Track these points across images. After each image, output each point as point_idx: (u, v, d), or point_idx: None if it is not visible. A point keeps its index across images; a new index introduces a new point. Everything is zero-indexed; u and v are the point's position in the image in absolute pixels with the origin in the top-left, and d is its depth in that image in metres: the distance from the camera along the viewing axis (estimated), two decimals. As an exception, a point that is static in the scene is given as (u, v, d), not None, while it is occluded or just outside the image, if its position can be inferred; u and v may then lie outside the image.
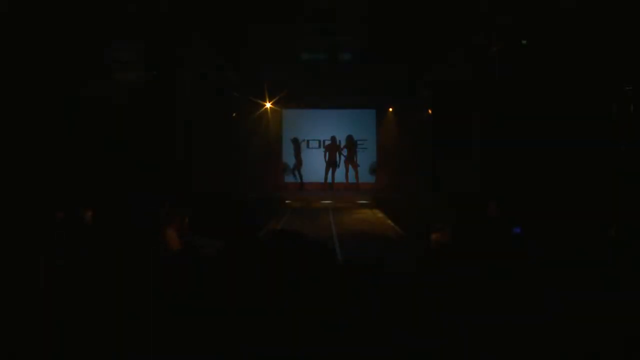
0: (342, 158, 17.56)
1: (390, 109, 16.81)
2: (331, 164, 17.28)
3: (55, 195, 6.43)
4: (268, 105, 15.73)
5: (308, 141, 17.94)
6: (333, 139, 17.34)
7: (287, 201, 15.95)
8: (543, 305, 1.73)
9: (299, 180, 17.41)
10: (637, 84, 7.43)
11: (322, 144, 17.85)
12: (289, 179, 17.90)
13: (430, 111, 12.59)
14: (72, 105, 8.12)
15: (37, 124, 7.29)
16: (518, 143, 8.14)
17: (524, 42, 8.99)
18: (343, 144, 17.67)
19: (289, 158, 17.84)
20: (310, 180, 17.64)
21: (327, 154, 17.34)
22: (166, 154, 9.60)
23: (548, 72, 8.02)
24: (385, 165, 17.25)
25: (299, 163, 17.36)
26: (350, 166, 17.54)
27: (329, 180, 17.29)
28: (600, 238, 4.33)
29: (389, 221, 11.96)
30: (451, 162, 10.53)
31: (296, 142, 17.37)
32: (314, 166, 17.57)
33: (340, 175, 17.56)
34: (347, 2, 9.08)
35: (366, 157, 17.88)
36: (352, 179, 17.57)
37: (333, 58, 11.14)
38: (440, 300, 1.47)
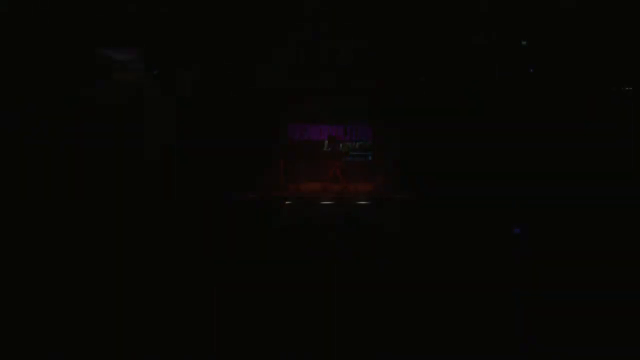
0: None
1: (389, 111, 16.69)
2: None
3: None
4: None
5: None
6: None
7: (287, 202, 15.90)
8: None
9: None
10: (637, 85, 7.44)
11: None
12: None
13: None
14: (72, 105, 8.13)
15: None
16: (514, 144, 8.16)
17: (523, 42, 8.99)
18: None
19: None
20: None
21: None
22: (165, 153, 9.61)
23: (547, 73, 8.02)
24: (383, 166, 17.14)
25: None
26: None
27: None
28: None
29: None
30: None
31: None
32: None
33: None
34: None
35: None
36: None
37: (332, 58, 11.12)
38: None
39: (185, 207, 8.55)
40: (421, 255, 6.92)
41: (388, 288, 6.00)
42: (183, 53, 9.86)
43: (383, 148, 16.54)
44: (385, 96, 14.73)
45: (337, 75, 13.24)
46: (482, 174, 9.10)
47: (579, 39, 7.19)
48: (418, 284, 6.00)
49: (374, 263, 7.13)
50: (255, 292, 5.83)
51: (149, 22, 8.17)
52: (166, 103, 9.82)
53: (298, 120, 17.14)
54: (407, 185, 13.73)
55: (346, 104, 15.59)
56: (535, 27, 7.92)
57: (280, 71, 13.00)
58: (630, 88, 7.99)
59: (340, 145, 17.53)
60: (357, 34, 10.49)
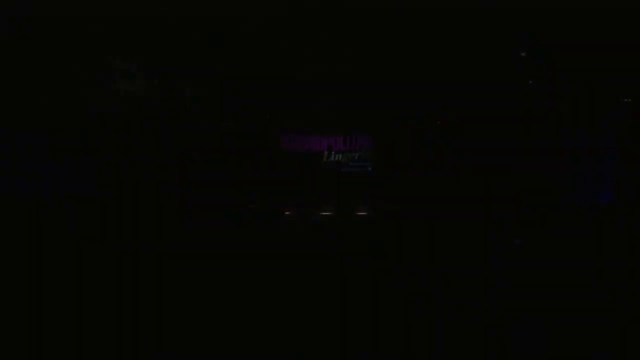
0: None
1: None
2: None
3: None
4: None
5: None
6: None
7: (286, 212, 15.83)
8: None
9: None
10: (637, 93, 7.45)
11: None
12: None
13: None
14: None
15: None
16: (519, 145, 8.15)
17: (522, 54, 9.03)
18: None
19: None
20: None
21: None
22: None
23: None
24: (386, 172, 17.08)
25: None
26: None
27: None
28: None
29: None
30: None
31: None
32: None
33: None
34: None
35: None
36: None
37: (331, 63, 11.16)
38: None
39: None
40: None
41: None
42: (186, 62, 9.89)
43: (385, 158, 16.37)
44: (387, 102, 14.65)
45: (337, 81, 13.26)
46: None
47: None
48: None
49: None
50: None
51: (149, 29, 8.20)
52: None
53: (295, 130, 17.04)
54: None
55: (346, 112, 15.53)
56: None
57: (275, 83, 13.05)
58: (630, 100, 8.00)
59: (340, 155, 17.42)
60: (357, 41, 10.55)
